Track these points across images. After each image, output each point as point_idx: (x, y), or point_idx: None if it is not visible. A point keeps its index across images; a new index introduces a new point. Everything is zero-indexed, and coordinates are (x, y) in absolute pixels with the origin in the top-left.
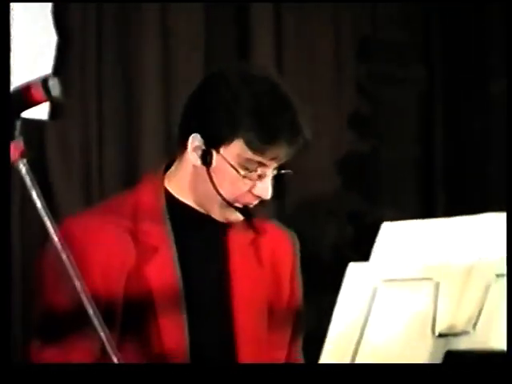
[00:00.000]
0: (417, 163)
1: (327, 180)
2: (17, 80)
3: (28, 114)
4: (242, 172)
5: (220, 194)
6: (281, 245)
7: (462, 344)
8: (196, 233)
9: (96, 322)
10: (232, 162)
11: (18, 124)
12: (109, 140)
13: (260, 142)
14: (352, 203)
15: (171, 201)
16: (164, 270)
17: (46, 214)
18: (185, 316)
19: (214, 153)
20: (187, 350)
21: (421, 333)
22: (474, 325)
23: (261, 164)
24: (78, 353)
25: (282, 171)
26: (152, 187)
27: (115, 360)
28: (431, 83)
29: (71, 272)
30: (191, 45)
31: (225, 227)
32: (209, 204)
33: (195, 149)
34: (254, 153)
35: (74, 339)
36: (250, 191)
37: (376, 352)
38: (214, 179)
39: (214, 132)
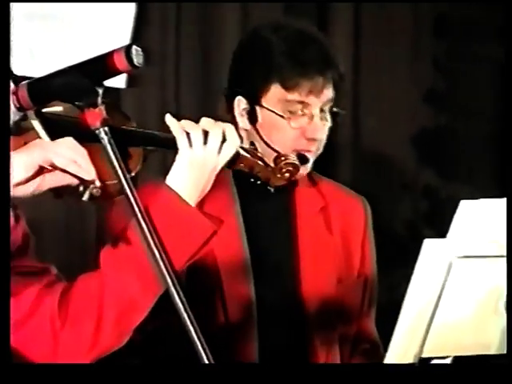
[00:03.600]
0: (493, 139)
1: (403, 155)
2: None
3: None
4: (287, 115)
5: (273, 148)
6: (352, 212)
7: None
8: (263, 200)
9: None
10: (275, 110)
11: (100, 92)
12: (186, 106)
13: (292, 77)
14: (427, 178)
15: None
16: (229, 238)
17: (127, 182)
18: (252, 285)
19: (258, 108)
20: (255, 320)
21: (494, 309)
22: None
23: (302, 103)
24: None
25: (334, 109)
26: None
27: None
28: (508, 59)
29: (151, 243)
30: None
31: (293, 194)
32: None
33: (242, 112)
34: (290, 91)
35: None
36: (302, 136)
37: (449, 328)
38: (264, 135)
39: (252, 85)
